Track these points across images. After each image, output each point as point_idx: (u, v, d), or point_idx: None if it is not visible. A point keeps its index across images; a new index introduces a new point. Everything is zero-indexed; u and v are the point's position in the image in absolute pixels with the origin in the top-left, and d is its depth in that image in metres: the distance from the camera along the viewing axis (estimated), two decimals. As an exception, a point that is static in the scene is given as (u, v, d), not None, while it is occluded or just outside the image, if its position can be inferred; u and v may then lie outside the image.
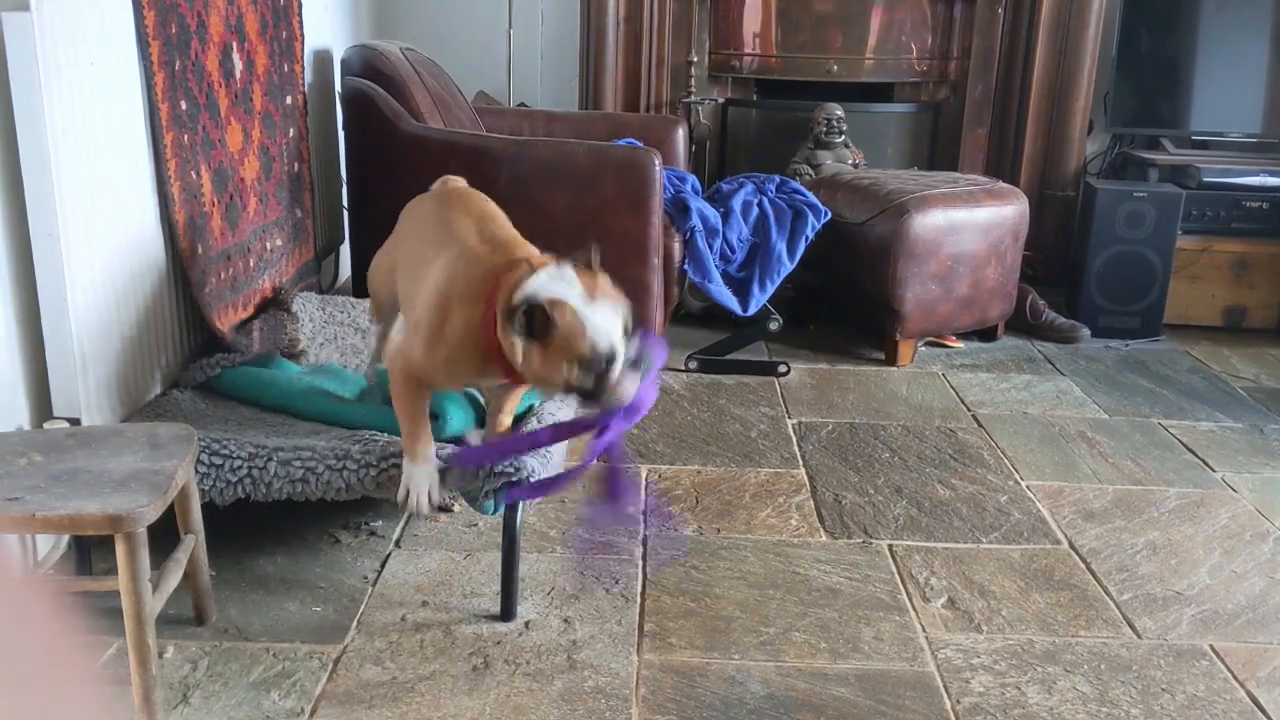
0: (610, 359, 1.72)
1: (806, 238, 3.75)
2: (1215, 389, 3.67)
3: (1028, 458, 2.99)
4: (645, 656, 2.00)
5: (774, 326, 3.76)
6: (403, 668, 1.93)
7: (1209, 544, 2.53)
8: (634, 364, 1.74)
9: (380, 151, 3.35)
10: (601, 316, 1.73)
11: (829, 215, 3.78)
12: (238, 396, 2.44)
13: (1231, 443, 3.16)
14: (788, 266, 3.74)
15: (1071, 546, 2.49)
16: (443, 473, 2.02)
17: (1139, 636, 2.13)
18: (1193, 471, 2.94)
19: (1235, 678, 2.00)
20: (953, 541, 2.49)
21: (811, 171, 4.30)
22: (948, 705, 1.88)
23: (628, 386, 1.74)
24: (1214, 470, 2.95)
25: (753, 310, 3.70)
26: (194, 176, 2.52)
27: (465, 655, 1.98)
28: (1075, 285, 4.26)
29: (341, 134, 3.56)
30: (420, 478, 2.00)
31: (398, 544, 2.37)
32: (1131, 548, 2.50)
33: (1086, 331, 4.14)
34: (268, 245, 2.96)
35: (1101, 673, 2.00)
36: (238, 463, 2.05)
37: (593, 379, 1.73)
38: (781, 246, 3.73)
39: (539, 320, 1.72)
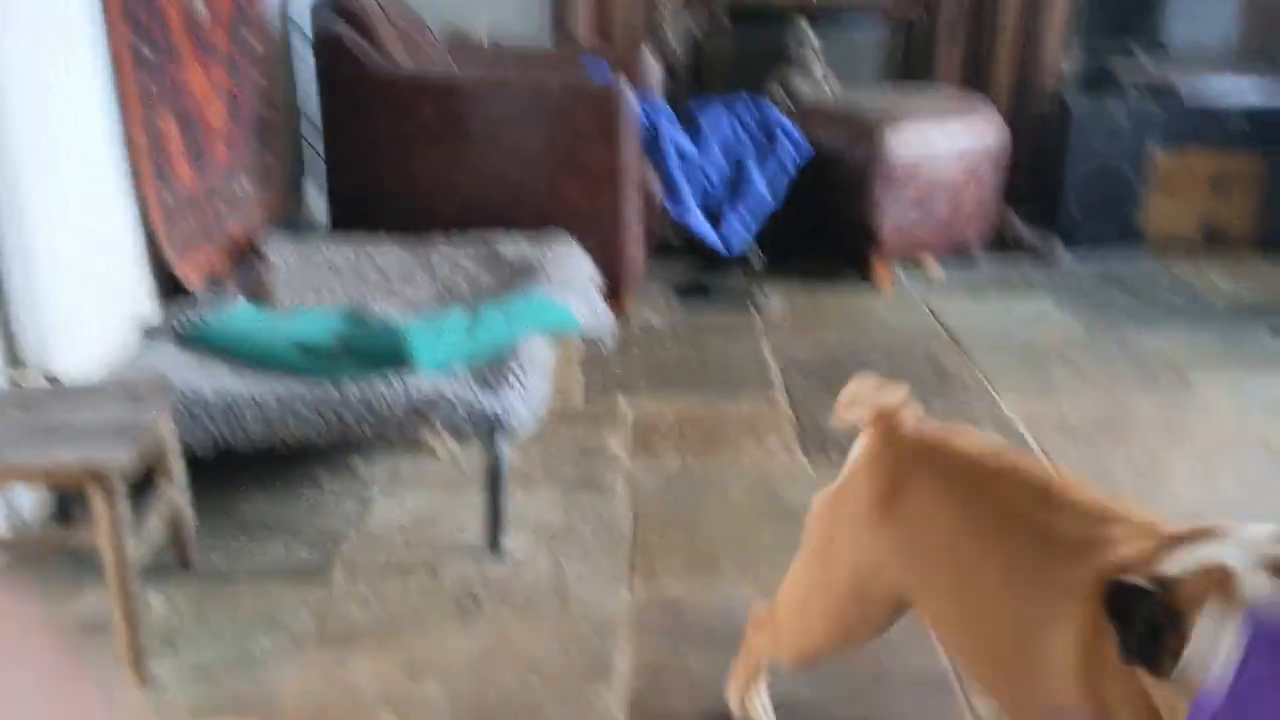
0: None
1: (789, 174, 3.73)
2: (1193, 302, 3.68)
3: (1007, 378, 3.00)
4: (635, 591, 2.01)
5: (755, 260, 3.75)
6: (387, 607, 1.94)
7: (1188, 456, 2.55)
8: None
9: (351, 92, 3.29)
10: None
11: (811, 153, 3.77)
12: (213, 349, 2.42)
13: (1210, 355, 3.18)
14: (770, 205, 3.73)
15: (1053, 465, 2.51)
16: None
17: (1119, 551, 2.15)
18: (1171, 385, 2.96)
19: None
20: (934, 464, 2.51)
21: (785, 95, 4.27)
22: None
23: None
24: (1191, 382, 2.97)
25: (736, 249, 3.70)
26: (157, 123, 2.47)
27: (452, 593, 1.99)
28: (1053, 200, 4.24)
29: (311, 75, 3.49)
30: None
31: (380, 485, 2.37)
32: (1111, 461, 2.52)
33: (1061, 245, 4.14)
34: (235, 189, 2.92)
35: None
36: (215, 411, 2.03)
37: None
38: (762, 184, 3.71)
39: (1155, 624, 0.98)
